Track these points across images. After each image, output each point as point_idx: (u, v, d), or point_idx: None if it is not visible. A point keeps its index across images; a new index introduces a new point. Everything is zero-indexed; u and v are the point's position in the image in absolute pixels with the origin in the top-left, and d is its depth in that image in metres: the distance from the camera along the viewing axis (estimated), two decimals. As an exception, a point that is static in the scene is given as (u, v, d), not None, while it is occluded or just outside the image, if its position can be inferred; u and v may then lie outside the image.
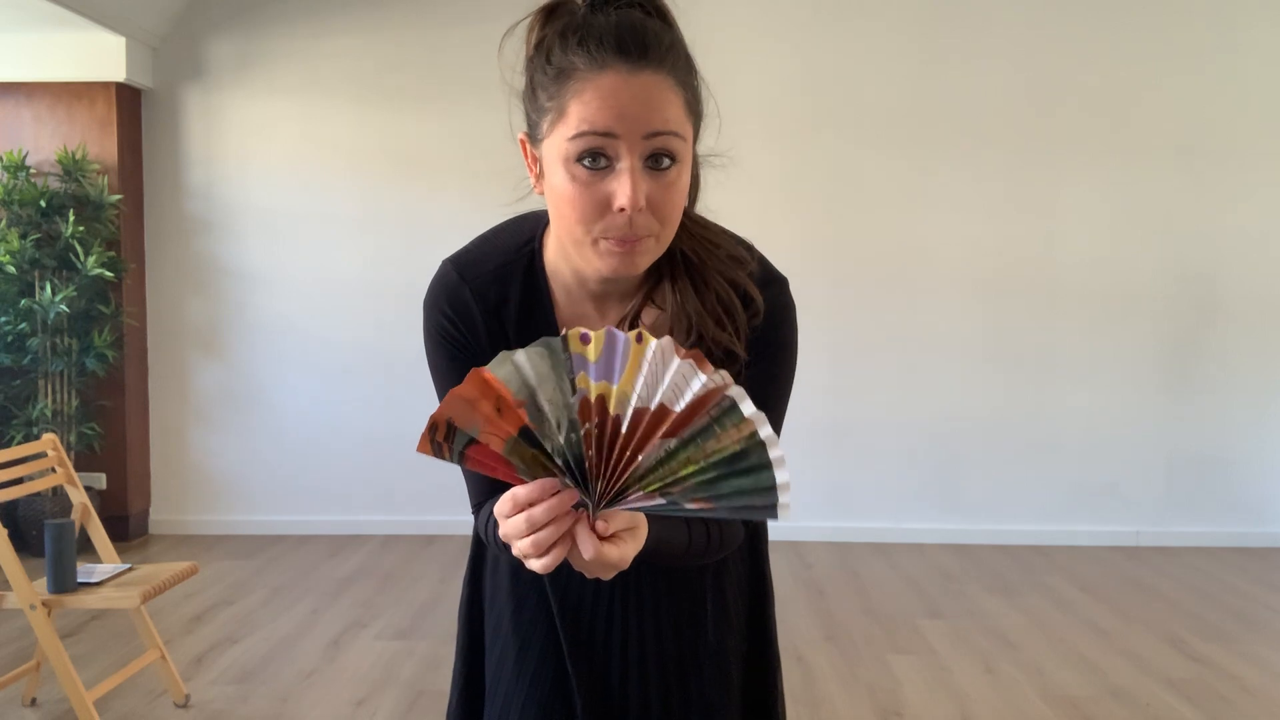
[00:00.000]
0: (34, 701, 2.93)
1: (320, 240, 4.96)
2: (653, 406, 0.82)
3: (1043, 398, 4.93)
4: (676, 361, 0.81)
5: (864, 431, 4.94)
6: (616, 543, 0.88)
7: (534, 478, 0.84)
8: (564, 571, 1.16)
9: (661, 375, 0.81)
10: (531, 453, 0.83)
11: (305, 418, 5.01)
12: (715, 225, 1.12)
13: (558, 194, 0.98)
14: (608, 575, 0.91)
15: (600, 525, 0.86)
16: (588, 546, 0.85)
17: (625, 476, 0.83)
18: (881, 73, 4.87)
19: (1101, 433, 4.92)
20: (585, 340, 0.82)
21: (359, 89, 4.92)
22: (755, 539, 1.25)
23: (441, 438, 0.83)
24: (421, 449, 0.84)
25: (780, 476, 0.82)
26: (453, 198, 4.84)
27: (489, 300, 1.10)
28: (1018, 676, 3.25)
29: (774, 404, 1.11)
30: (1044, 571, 4.46)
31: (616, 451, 0.83)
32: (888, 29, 4.86)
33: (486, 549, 1.25)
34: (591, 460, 0.83)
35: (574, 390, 0.82)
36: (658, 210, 0.97)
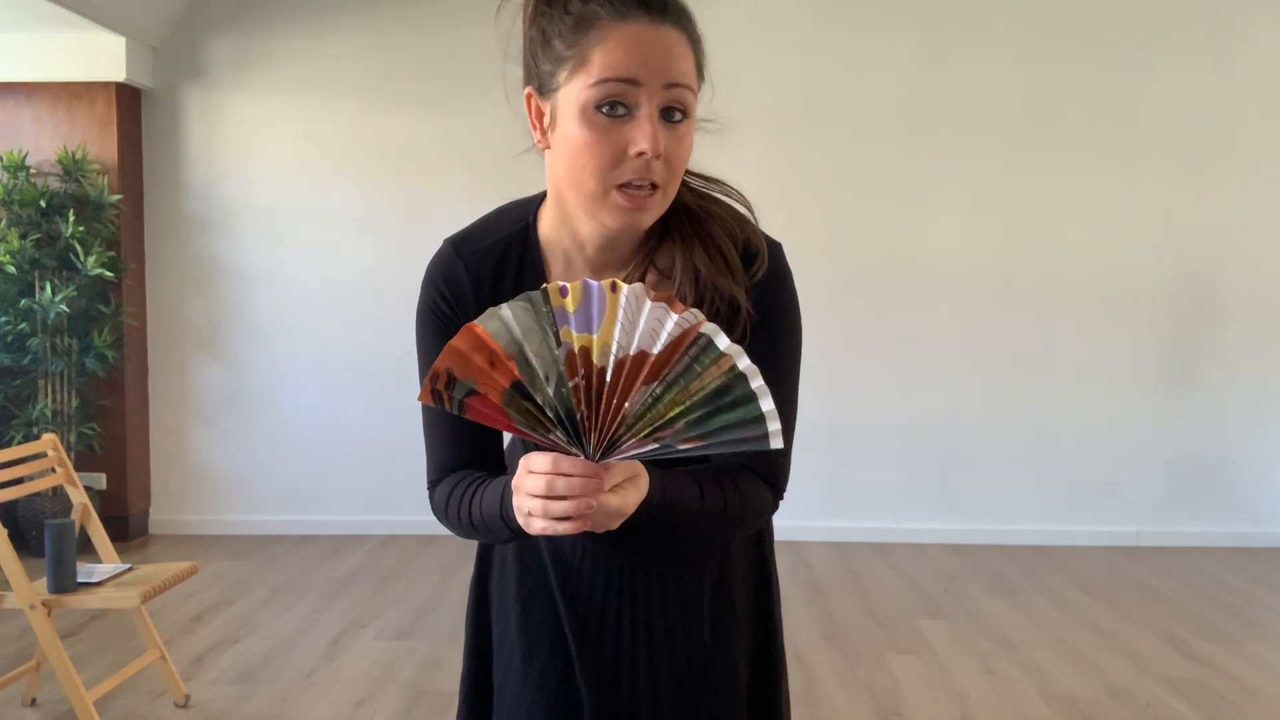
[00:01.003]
0: (34, 701, 2.93)
1: (320, 240, 4.96)
2: (632, 352, 0.83)
3: (1042, 398, 4.93)
4: (649, 305, 0.83)
5: (864, 431, 4.94)
6: (617, 491, 0.90)
7: (530, 430, 0.86)
8: (573, 573, 1.16)
9: (636, 320, 0.83)
10: (525, 405, 0.85)
11: (305, 418, 5.01)
12: (714, 180, 1.14)
13: (572, 143, 0.99)
14: (613, 525, 0.92)
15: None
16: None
17: (616, 426, 0.85)
18: (881, 72, 4.86)
19: (1101, 432, 4.92)
20: (564, 293, 0.84)
21: (359, 89, 4.92)
22: (761, 537, 1.25)
23: (442, 386, 0.85)
24: (423, 398, 0.85)
25: (765, 405, 0.83)
26: (452, 198, 4.83)
27: (482, 276, 1.11)
28: (1018, 676, 3.25)
29: (785, 374, 1.11)
30: (1044, 571, 4.46)
31: (604, 402, 0.84)
32: (888, 29, 4.85)
33: (494, 553, 1.25)
34: (583, 414, 0.85)
35: (559, 343, 0.84)
36: (669, 161, 0.99)
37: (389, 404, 4.89)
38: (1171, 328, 4.91)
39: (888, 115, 4.87)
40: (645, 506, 0.95)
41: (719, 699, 1.18)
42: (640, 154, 0.96)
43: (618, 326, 0.83)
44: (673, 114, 0.98)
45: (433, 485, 1.15)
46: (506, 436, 1.18)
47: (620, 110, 0.97)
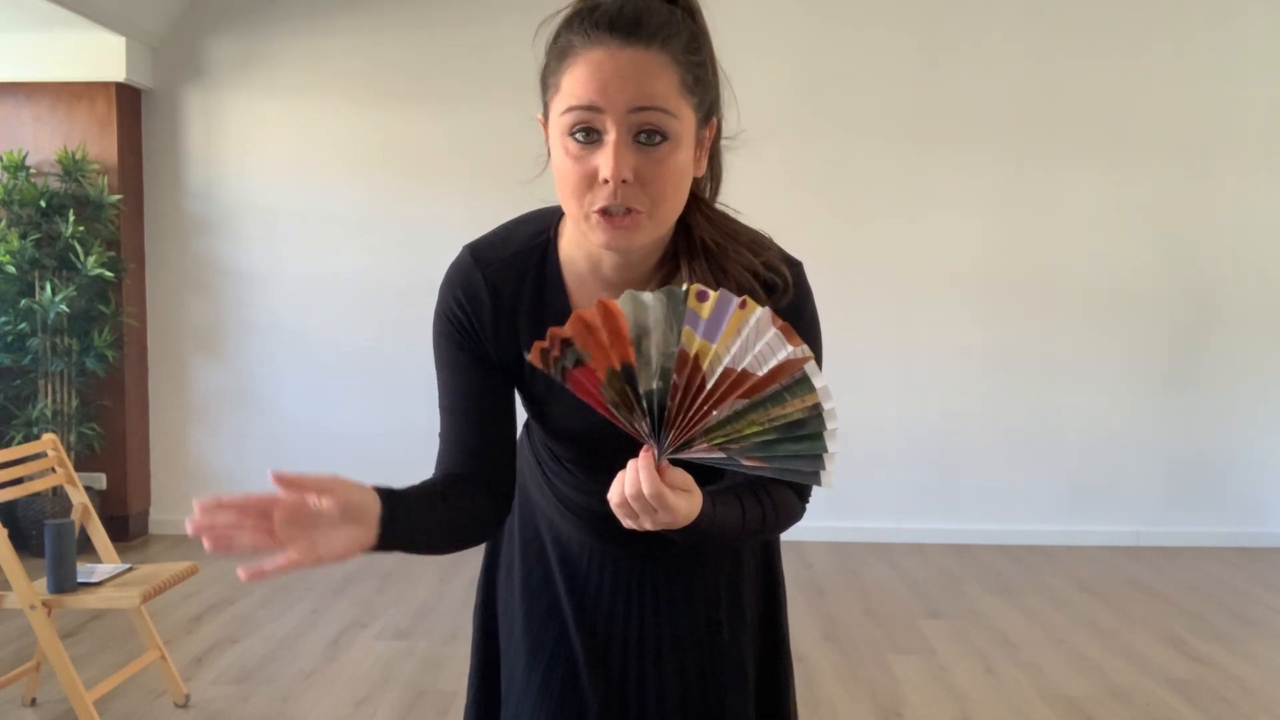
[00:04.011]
0: (34, 701, 2.93)
1: (320, 240, 4.96)
2: (738, 369, 0.87)
3: (1043, 398, 4.92)
4: (771, 332, 0.87)
5: (863, 431, 4.93)
6: (680, 496, 0.91)
7: (616, 411, 0.89)
8: (580, 576, 1.16)
9: (753, 343, 0.87)
10: (624, 388, 0.88)
11: (305, 418, 5.00)
12: (734, 219, 1.13)
13: (557, 169, 1.01)
14: (654, 525, 0.91)
15: (662, 465, 0.89)
16: (648, 480, 0.88)
17: (695, 428, 0.88)
18: (882, 71, 4.86)
19: (1101, 432, 4.92)
20: (703, 298, 0.88)
21: (359, 89, 4.92)
22: (769, 542, 1.25)
23: (555, 349, 0.88)
24: (532, 358, 0.88)
25: (832, 447, 0.88)
26: (453, 198, 4.83)
27: (500, 287, 1.10)
28: (1018, 676, 3.25)
29: None
30: (1044, 571, 4.46)
31: (694, 405, 0.88)
32: (889, 27, 4.85)
33: (501, 555, 1.25)
34: (671, 410, 0.88)
35: (678, 341, 0.87)
36: (647, 185, 0.97)
37: (389, 404, 4.89)
38: (1172, 328, 4.91)
39: (888, 115, 4.87)
40: (691, 529, 0.94)
41: (728, 702, 1.17)
42: (605, 181, 0.96)
43: (736, 343, 0.87)
44: (651, 137, 0.96)
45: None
46: (518, 430, 1.19)
47: (592, 136, 0.96)
